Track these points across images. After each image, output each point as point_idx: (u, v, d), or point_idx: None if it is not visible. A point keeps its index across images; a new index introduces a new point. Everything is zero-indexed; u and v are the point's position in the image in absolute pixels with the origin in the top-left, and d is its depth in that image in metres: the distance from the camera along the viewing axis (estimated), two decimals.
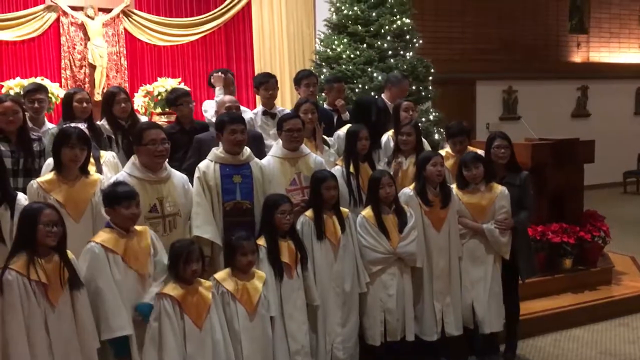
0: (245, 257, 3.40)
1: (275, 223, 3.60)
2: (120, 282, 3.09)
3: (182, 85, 8.07)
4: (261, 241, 3.62)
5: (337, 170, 4.25)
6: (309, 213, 3.85)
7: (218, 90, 5.32)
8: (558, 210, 5.80)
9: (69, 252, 3.02)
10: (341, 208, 3.95)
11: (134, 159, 3.59)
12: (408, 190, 4.18)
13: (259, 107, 5.27)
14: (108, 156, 4.04)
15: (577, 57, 12.04)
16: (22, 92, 4.74)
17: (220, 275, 3.42)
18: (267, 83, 5.15)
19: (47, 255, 2.91)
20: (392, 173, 4.26)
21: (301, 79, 5.22)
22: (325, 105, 5.47)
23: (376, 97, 6.25)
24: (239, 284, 3.38)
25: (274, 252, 3.58)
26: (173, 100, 4.87)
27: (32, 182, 3.44)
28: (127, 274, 3.12)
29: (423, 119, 6.79)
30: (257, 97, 5.64)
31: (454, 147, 4.60)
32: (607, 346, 4.78)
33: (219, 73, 5.48)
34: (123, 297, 3.07)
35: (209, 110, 5.31)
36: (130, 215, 3.15)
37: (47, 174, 3.51)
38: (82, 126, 3.71)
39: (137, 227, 3.25)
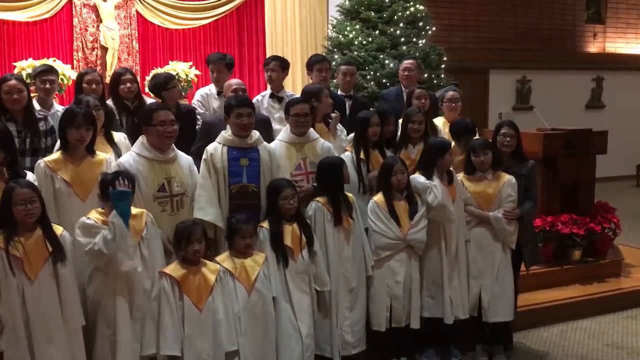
0: (244, 240, 3.44)
1: (279, 208, 3.61)
2: None
3: (193, 69, 8.08)
4: (265, 224, 3.63)
5: (347, 156, 4.22)
6: (321, 199, 3.84)
7: None
8: (569, 201, 5.75)
9: (58, 227, 3.05)
10: (347, 193, 3.94)
11: (142, 139, 3.60)
12: (422, 179, 4.09)
13: (267, 90, 5.25)
14: (119, 137, 4.04)
15: (593, 48, 11.89)
16: (32, 73, 4.74)
17: (220, 257, 3.47)
18: (267, 65, 5.17)
19: (29, 230, 2.94)
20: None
21: (313, 64, 5.16)
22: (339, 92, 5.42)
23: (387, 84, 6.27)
24: (237, 263, 3.41)
25: (276, 235, 3.59)
26: (163, 84, 4.70)
27: (39, 161, 3.45)
28: None
29: None
30: None
31: (458, 145, 4.51)
32: (613, 338, 4.75)
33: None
34: None
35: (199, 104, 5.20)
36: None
37: (54, 154, 3.52)
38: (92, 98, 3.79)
39: (133, 210, 3.22)
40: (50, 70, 4.57)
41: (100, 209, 3.18)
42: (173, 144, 3.63)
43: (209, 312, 3.21)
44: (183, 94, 7.49)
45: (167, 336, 3.12)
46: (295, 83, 8.38)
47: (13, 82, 3.93)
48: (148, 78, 7.89)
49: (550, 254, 5.48)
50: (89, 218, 3.10)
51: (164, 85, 4.71)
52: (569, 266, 5.55)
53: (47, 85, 4.44)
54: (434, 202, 3.98)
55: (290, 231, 3.63)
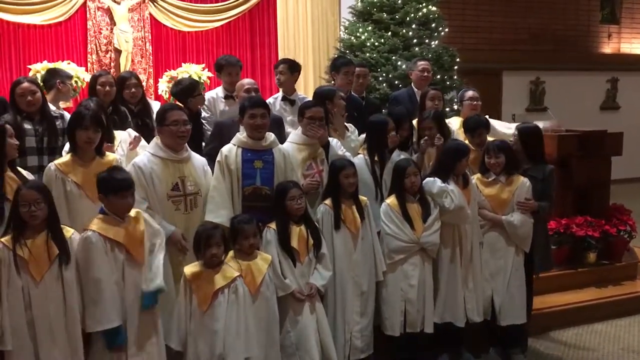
0: (247, 240, 3.41)
1: (287, 209, 3.60)
2: (114, 269, 3.06)
3: (205, 72, 8.11)
4: (273, 224, 3.62)
5: (360, 159, 4.17)
6: (328, 202, 3.83)
7: None
8: (583, 204, 5.70)
9: (69, 229, 3.05)
10: (360, 197, 3.91)
11: (156, 139, 3.64)
12: (439, 182, 4.04)
13: (279, 93, 5.24)
14: (126, 135, 4.09)
15: (608, 49, 11.78)
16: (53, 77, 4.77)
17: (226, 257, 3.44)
18: (276, 68, 5.19)
19: (37, 232, 2.94)
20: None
21: (341, 66, 5.05)
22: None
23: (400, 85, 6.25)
24: (243, 265, 3.38)
25: (283, 237, 3.57)
26: (190, 91, 4.68)
27: (49, 164, 3.47)
28: (124, 261, 3.08)
29: (447, 109, 6.71)
30: None
31: (472, 141, 4.50)
32: (629, 342, 4.69)
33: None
34: (119, 285, 3.06)
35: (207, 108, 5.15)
36: (126, 205, 3.10)
37: (63, 156, 3.54)
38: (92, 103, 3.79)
39: (132, 212, 3.19)
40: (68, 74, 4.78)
41: (100, 215, 3.12)
42: (186, 144, 3.66)
43: (211, 317, 3.21)
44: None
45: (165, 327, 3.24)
46: (307, 85, 8.38)
47: (26, 84, 4.01)
48: (161, 80, 7.97)
49: (565, 257, 5.43)
50: (92, 231, 3.04)
51: (191, 92, 4.70)
52: (584, 269, 5.50)
53: (67, 86, 4.57)
54: (450, 207, 3.95)
55: (297, 233, 3.61)
